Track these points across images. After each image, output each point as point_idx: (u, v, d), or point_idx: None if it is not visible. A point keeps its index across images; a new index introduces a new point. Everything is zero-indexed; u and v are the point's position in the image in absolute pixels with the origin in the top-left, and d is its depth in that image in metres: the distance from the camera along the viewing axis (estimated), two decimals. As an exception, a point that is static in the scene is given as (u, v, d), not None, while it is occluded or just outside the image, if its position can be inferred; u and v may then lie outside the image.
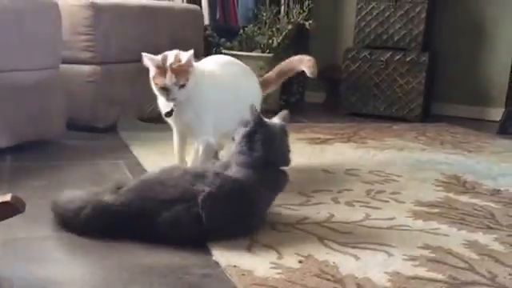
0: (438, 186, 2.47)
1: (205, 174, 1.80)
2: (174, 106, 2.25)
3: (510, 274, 1.60)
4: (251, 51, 4.13)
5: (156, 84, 2.19)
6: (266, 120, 1.93)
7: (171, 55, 2.21)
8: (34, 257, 1.65)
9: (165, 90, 2.18)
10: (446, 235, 1.90)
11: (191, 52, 2.22)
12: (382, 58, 4.15)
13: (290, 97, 4.36)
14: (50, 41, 2.78)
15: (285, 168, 1.95)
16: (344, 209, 2.12)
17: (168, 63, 2.17)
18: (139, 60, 3.40)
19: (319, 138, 3.36)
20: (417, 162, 2.88)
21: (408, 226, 1.96)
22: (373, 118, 4.17)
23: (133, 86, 3.34)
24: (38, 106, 2.74)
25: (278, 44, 4.06)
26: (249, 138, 1.87)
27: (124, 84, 3.32)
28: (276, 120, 1.98)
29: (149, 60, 2.20)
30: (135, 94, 3.35)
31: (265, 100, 4.08)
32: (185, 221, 1.70)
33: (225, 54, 4.20)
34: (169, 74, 2.15)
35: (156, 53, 3.66)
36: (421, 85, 4.09)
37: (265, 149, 1.86)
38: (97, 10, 3.13)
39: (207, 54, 3.93)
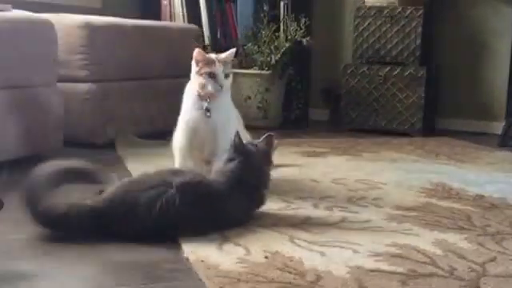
0: (422, 193, 2.51)
1: (184, 172, 1.98)
2: (208, 112, 2.39)
3: (469, 268, 1.64)
4: (250, 68, 4.21)
5: (204, 73, 2.36)
6: (249, 146, 2.08)
7: (211, 55, 2.45)
8: (10, 253, 1.74)
9: (212, 76, 2.36)
10: (416, 235, 1.94)
11: (233, 50, 2.46)
12: (380, 73, 4.19)
13: (290, 113, 4.41)
14: (46, 59, 2.89)
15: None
16: (322, 213, 2.18)
17: (214, 57, 2.40)
18: (135, 78, 3.55)
19: (314, 151, 3.41)
20: (406, 172, 2.91)
21: (381, 227, 2.01)
22: (374, 133, 4.17)
23: (130, 103, 3.45)
24: (34, 121, 2.83)
25: (276, 61, 4.13)
26: (228, 161, 2.04)
27: (121, 101, 3.42)
28: (260, 144, 2.11)
29: (199, 53, 2.38)
30: (132, 111, 3.45)
31: (266, 116, 4.17)
32: (160, 202, 1.81)
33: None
34: (217, 62, 2.37)
35: (152, 72, 3.77)
36: (420, 99, 4.10)
37: (240, 169, 2.01)
38: (92, 29, 3.24)
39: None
